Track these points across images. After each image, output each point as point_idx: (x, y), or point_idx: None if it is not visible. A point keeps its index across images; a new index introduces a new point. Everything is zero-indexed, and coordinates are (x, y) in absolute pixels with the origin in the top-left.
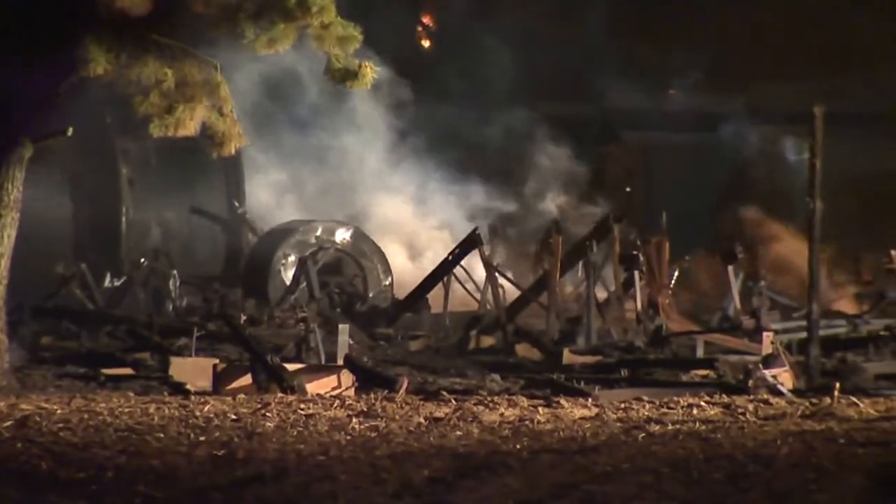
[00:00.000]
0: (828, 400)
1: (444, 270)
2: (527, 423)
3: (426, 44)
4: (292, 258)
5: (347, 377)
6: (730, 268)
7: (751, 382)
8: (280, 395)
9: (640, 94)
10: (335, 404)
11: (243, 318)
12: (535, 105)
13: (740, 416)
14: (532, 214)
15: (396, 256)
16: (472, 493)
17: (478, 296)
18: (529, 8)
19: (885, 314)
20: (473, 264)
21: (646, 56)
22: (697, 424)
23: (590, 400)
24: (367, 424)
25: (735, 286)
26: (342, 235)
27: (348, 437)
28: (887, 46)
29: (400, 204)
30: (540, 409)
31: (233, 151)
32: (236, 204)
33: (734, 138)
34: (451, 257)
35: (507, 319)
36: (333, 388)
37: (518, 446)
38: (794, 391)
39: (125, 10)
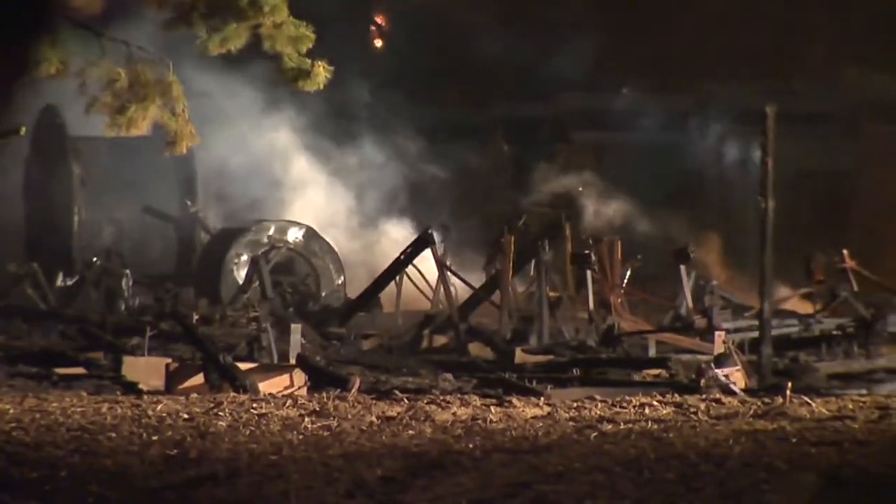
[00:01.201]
0: (780, 399)
1: (396, 270)
2: (479, 422)
3: (378, 43)
4: (245, 257)
5: (300, 376)
6: (682, 267)
7: (703, 382)
8: (232, 394)
9: (592, 93)
10: (288, 404)
11: (196, 317)
12: (488, 105)
13: (692, 416)
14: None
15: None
16: (424, 492)
17: (430, 295)
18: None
19: (837, 313)
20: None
21: (597, 55)
22: (649, 424)
23: (542, 399)
24: (319, 424)
25: (687, 285)
26: (294, 235)
27: (301, 437)
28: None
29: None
30: (492, 408)
31: (185, 150)
32: (189, 203)
33: (686, 137)
34: (403, 256)
35: (460, 319)
36: (286, 388)
37: (471, 445)
38: (747, 390)
39: (79, 10)
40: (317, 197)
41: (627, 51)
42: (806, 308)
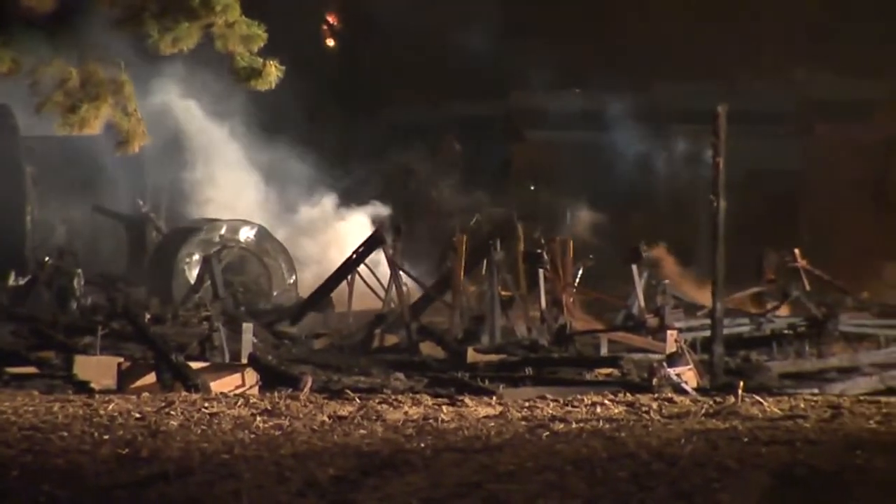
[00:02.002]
0: (732, 398)
1: (347, 269)
2: (431, 421)
3: (331, 43)
4: (196, 257)
5: (251, 376)
6: (634, 266)
7: (655, 381)
8: (184, 393)
9: (545, 92)
10: (239, 403)
11: (148, 316)
12: (440, 104)
13: (644, 415)
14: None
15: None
16: (376, 491)
17: (382, 294)
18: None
19: (789, 313)
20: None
21: (550, 55)
22: (601, 423)
23: (494, 398)
24: (271, 423)
25: (639, 285)
26: (246, 234)
27: (252, 436)
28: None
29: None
30: (444, 407)
31: (137, 150)
32: (140, 202)
33: (638, 137)
34: (354, 256)
35: (412, 318)
36: (237, 387)
37: (422, 445)
38: (698, 390)
39: (31, 9)
40: (266, 197)
41: (580, 50)
42: (757, 307)
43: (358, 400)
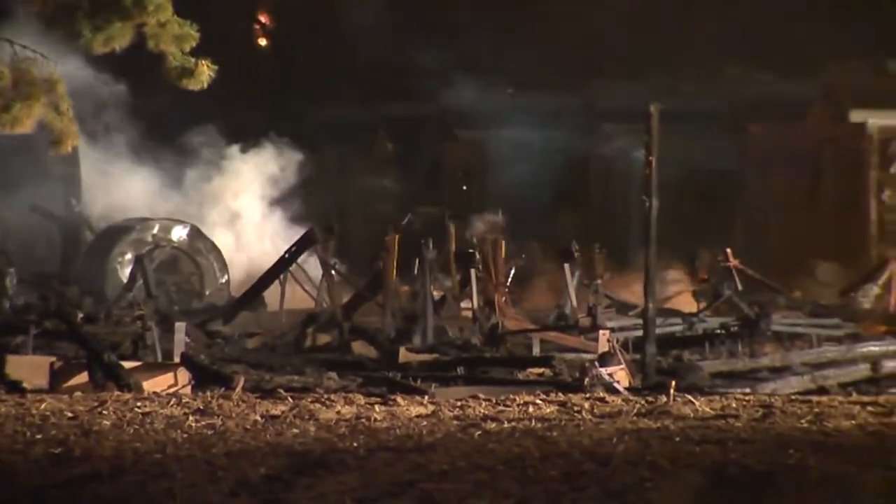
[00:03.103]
0: (664, 398)
1: (280, 269)
2: (363, 420)
3: (263, 42)
4: (129, 256)
5: (184, 375)
6: (566, 266)
7: (587, 380)
8: (117, 393)
9: (478, 91)
10: (172, 402)
11: (80, 315)
12: (373, 103)
13: (576, 414)
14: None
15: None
16: (308, 490)
17: (314, 293)
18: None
19: (721, 312)
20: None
21: (484, 54)
22: (534, 422)
23: (426, 398)
24: (203, 422)
25: (571, 284)
26: (179, 234)
27: (185, 435)
28: (723, 45)
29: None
30: (377, 406)
31: (70, 149)
32: (73, 202)
33: (571, 136)
34: (287, 255)
35: (344, 317)
36: (170, 386)
37: (355, 444)
38: (631, 389)
39: None
40: (201, 196)
41: (514, 50)
42: (690, 307)
43: (290, 399)
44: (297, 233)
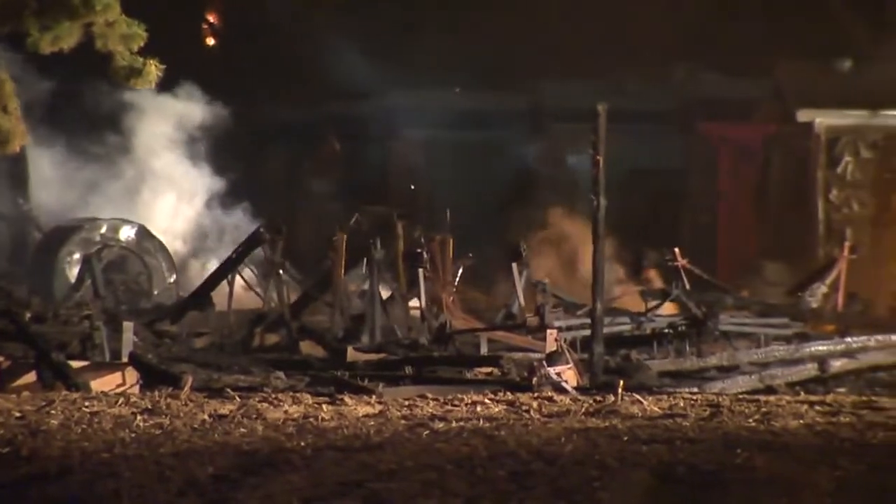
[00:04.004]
0: (612, 397)
1: (228, 268)
2: (311, 420)
3: (211, 41)
4: (77, 255)
5: (132, 374)
6: (514, 265)
7: (535, 380)
8: (65, 392)
9: (425, 91)
10: (120, 402)
11: (28, 315)
12: (320, 103)
13: (524, 414)
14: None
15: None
16: (256, 490)
17: (262, 293)
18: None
19: (669, 312)
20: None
21: (429, 53)
22: (481, 422)
23: (374, 397)
24: (151, 422)
25: (519, 284)
26: (127, 233)
27: (133, 435)
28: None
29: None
30: (324, 406)
31: (17, 149)
32: (21, 201)
33: (518, 136)
34: (235, 255)
35: (292, 317)
36: (118, 386)
37: (302, 444)
38: (579, 388)
39: None
40: (150, 196)
41: (460, 48)
42: (638, 306)
43: (238, 399)
44: (245, 232)
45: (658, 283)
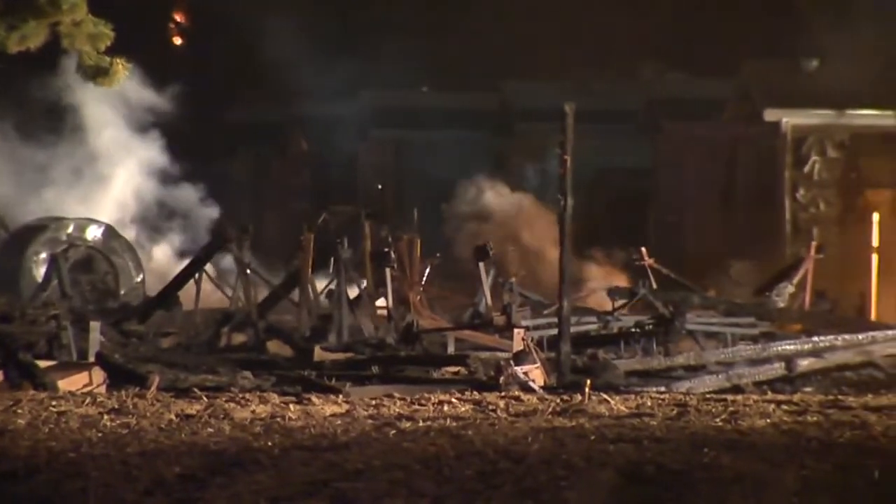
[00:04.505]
0: (579, 397)
1: (194, 268)
2: (278, 420)
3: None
4: (44, 255)
5: (99, 374)
6: (481, 265)
7: (502, 379)
8: (32, 392)
9: (393, 91)
10: (87, 401)
11: None
12: (289, 103)
13: (491, 413)
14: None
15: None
16: (223, 490)
17: (229, 292)
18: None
19: (636, 311)
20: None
21: (399, 54)
22: (448, 421)
23: (341, 397)
24: (118, 421)
25: (486, 283)
26: (93, 233)
27: (100, 435)
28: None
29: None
30: (291, 406)
31: None
32: None
33: (487, 135)
34: (201, 254)
35: (259, 316)
36: (85, 385)
37: (269, 443)
38: (546, 388)
39: None
40: (110, 196)
41: (429, 50)
42: (605, 305)
43: (205, 398)
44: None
45: (626, 282)
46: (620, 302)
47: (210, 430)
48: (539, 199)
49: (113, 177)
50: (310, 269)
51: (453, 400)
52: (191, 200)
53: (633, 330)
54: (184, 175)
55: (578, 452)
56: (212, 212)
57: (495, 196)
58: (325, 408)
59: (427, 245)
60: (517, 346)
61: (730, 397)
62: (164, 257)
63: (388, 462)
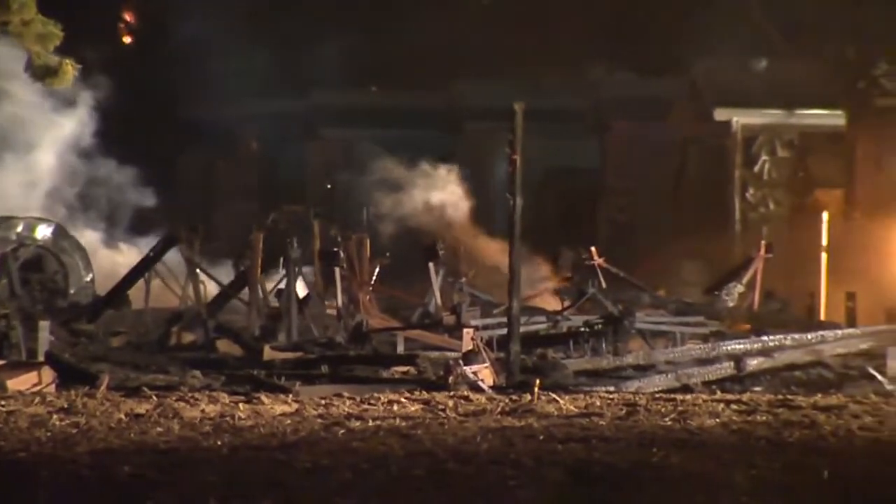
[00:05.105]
0: (528, 396)
1: (144, 267)
2: (228, 419)
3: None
4: None
5: (48, 373)
6: (431, 264)
7: (451, 379)
8: None
9: (342, 90)
10: (36, 401)
11: None
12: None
13: (440, 413)
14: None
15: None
16: (173, 489)
17: (179, 292)
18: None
19: (585, 310)
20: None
21: (348, 53)
22: (398, 421)
23: (290, 396)
24: (67, 421)
25: (436, 283)
26: (43, 232)
27: (49, 434)
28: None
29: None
30: (241, 405)
31: None
32: None
33: (435, 135)
34: (151, 254)
35: (208, 315)
36: (34, 385)
37: (219, 443)
38: (495, 388)
39: None
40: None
41: (378, 49)
42: (554, 305)
43: (155, 398)
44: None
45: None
46: (569, 301)
47: (160, 429)
48: (487, 198)
49: (50, 178)
50: (259, 269)
51: (403, 399)
52: (140, 201)
53: (582, 329)
54: (132, 176)
55: (527, 452)
56: (160, 212)
57: (444, 195)
58: (275, 407)
59: (375, 245)
60: (466, 345)
61: (679, 397)
62: (112, 260)
63: (337, 461)
